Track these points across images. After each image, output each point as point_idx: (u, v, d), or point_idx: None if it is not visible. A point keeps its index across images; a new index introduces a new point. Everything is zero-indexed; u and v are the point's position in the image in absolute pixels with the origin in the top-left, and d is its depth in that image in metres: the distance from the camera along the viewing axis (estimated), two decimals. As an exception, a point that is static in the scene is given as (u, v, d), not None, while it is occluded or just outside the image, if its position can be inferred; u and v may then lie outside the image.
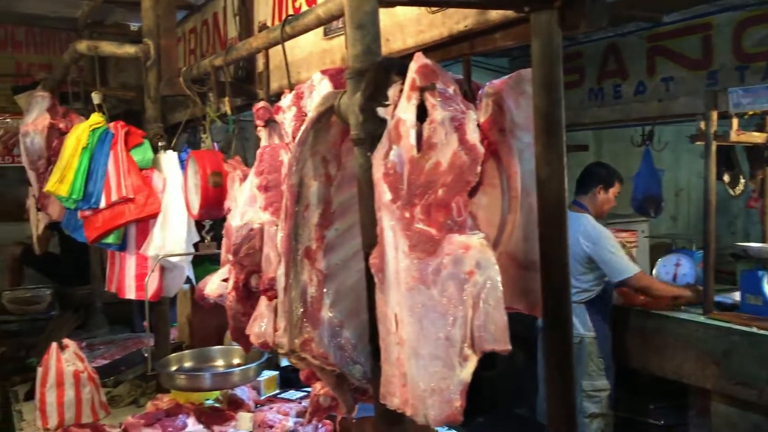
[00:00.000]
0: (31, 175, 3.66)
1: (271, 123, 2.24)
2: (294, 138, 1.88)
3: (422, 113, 1.32)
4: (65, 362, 2.82)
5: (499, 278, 1.19)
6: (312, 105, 1.84)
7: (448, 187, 1.26)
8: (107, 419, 2.86)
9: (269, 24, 2.85)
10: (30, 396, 3.11)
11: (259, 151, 2.11)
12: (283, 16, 2.97)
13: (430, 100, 1.29)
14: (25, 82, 5.55)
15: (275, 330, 1.99)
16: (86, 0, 4.17)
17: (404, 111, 1.31)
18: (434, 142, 1.29)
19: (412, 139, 1.29)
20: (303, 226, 1.59)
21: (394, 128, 1.31)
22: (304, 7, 2.79)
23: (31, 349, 4.13)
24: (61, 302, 5.26)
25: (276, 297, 1.89)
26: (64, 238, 4.99)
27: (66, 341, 2.93)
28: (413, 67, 1.31)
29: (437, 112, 1.29)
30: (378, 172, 1.33)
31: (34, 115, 3.23)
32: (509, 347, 1.17)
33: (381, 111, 1.34)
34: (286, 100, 1.92)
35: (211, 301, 2.42)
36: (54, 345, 2.87)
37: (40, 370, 2.85)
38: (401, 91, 1.33)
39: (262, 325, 2.09)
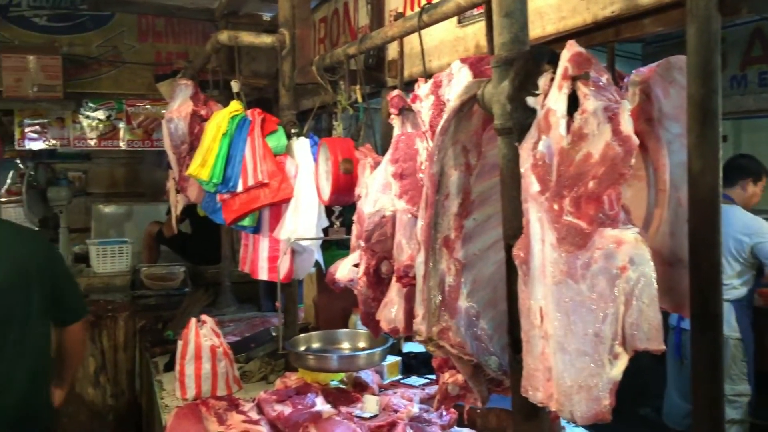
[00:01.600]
0: (173, 159, 3.86)
1: (404, 111, 2.26)
2: (431, 127, 1.88)
3: (572, 103, 1.28)
4: (203, 337, 2.97)
5: (654, 275, 1.15)
6: (450, 94, 1.83)
7: (600, 180, 1.23)
8: (239, 393, 3.00)
9: (401, 12, 2.86)
10: (169, 367, 3.30)
11: (394, 139, 2.13)
12: (416, 5, 2.99)
13: (583, 90, 1.26)
14: (165, 70, 5.87)
15: (413, 316, 2.01)
16: (224, -9, 4.35)
17: (555, 101, 1.28)
18: (585, 133, 1.25)
19: (563, 130, 1.26)
20: (442, 215, 1.59)
21: (543, 118, 1.29)
22: (438, -5, 2.79)
23: (168, 323, 4.39)
24: (192, 280, 5.56)
25: (411, 284, 1.91)
26: (195, 219, 5.27)
27: (204, 317, 3.09)
28: (566, 55, 1.28)
29: (590, 102, 1.25)
30: (526, 163, 1.31)
31: (178, 102, 3.40)
32: (663, 347, 1.13)
33: (531, 100, 1.32)
34: (424, 88, 1.92)
35: (342, 285, 2.48)
36: (193, 320, 3.03)
37: (180, 343, 3.01)
38: (552, 80, 1.30)
39: (392, 310, 2.12)
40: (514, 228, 1.42)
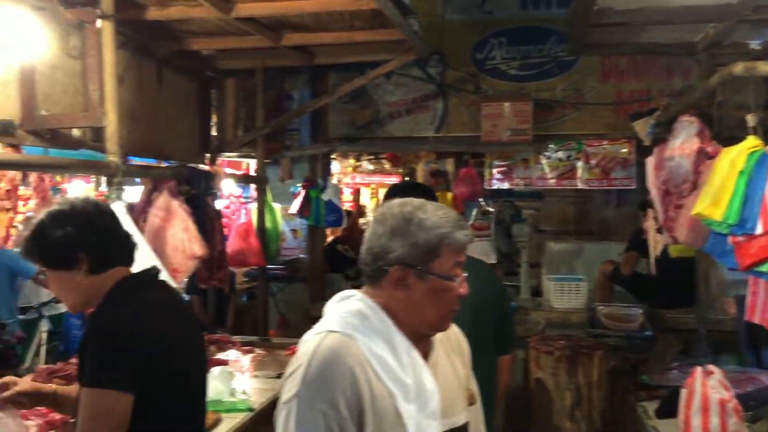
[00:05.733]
0: (656, 198, 3.76)
1: None
2: None
3: None
4: (711, 388, 2.78)
5: None
6: None
7: None
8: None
9: None
10: (663, 414, 3.18)
11: None
12: None
13: None
14: (626, 109, 5.87)
15: None
16: (714, 22, 4.13)
17: None
18: None
19: None
20: None
21: None
22: None
23: (638, 366, 4.28)
24: (651, 323, 5.36)
25: None
26: (662, 261, 5.07)
27: (711, 367, 2.89)
28: None
29: None
30: None
31: (680, 140, 3.29)
32: None
33: None
34: None
35: None
36: (699, 369, 2.86)
37: (683, 391, 2.87)
38: None
39: None
40: None
